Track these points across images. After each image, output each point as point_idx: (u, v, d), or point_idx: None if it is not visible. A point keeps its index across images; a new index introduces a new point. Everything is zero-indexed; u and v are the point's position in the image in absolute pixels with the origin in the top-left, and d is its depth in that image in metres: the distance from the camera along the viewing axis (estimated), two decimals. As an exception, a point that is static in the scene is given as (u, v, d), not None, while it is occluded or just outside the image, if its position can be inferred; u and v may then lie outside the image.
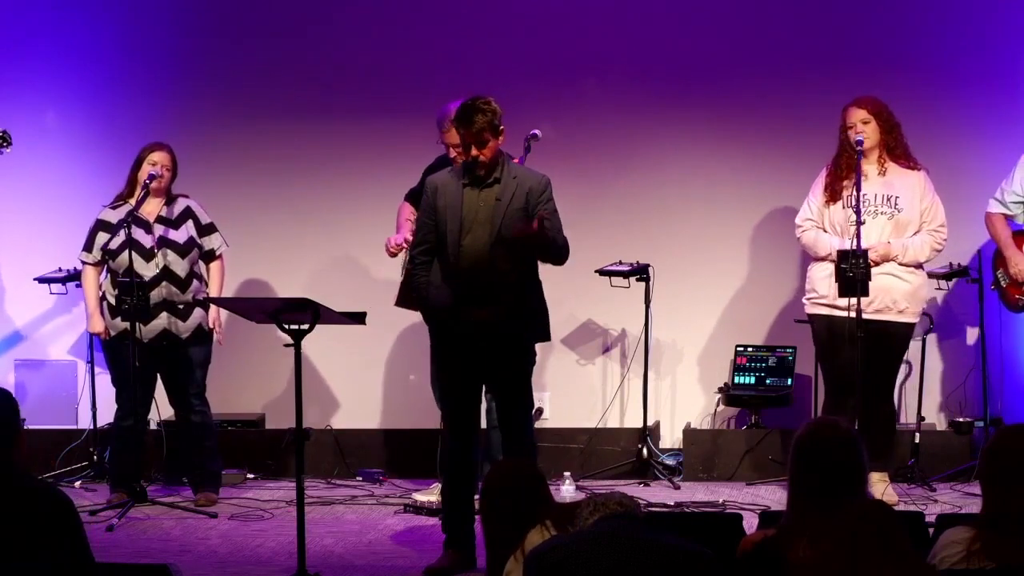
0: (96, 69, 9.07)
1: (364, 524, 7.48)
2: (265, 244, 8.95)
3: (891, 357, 7.65)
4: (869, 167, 7.63)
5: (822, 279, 7.65)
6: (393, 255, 7.75)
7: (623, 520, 4.05)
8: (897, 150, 7.64)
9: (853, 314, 7.42)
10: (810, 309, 7.77)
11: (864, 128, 7.60)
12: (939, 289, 8.52)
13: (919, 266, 7.66)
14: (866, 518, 3.86)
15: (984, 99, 8.73)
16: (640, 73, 8.93)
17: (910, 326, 7.69)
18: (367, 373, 9.11)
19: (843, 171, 7.66)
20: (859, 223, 7.33)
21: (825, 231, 7.69)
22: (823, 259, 7.66)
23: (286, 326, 6.18)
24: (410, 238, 7.51)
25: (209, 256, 8.00)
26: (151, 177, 7.79)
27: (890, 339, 7.55)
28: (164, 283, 7.80)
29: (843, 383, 7.58)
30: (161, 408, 8.19)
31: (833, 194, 7.66)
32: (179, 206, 7.94)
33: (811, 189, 7.79)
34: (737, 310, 8.94)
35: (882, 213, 7.58)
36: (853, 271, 7.30)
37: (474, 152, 6.35)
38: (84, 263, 7.96)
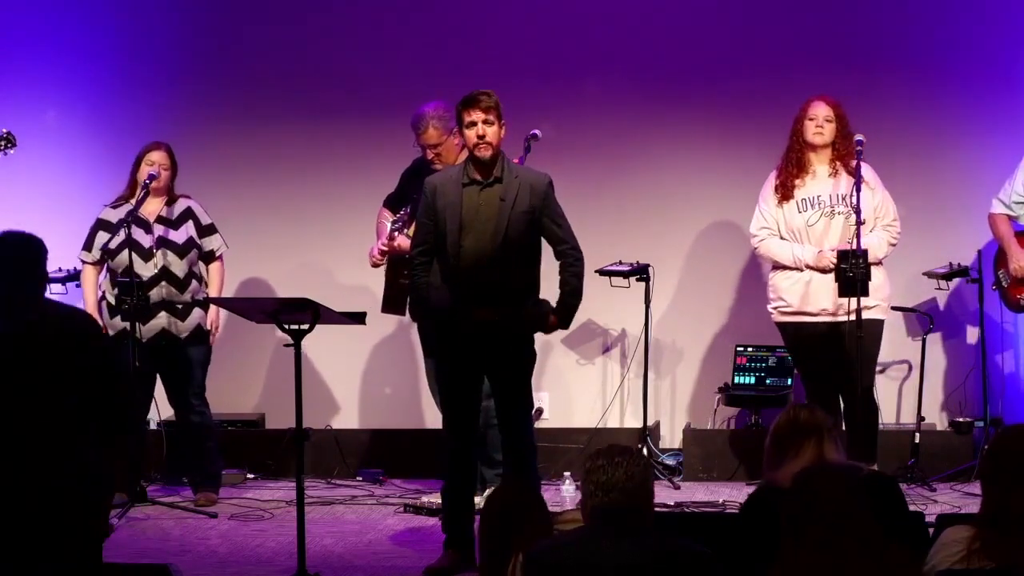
0: (96, 70, 9.08)
1: (364, 524, 7.49)
2: (262, 244, 8.95)
3: (866, 355, 7.59)
4: (820, 167, 7.60)
5: (787, 287, 7.62)
6: (376, 265, 7.76)
7: (623, 516, 4.00)
8: (846, 156, 7.55)
9: (824, 319, 7.48)
10: (778, 318, 7.70)
11: (825, 126, 7.55)
12: (939, 289, 8.52)
13: (878, 263, 7.60)
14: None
15: (984, 99, 8.72)
16: (640, 73, 8.94)
17: (880, 323, 7.63)
18: (367, 373, 9.12)
19: (794, 169, 7.62)
20: (859, 223, 7.30)
21: (782, 238, 7.65)
22: (787, 267, 7.62)
23: (286, 326, 6.18)
24: (385, 242, 7.55)
25: (209, 257, 8.00)
26: (151, 177, 7.80)
27: (863, 337, 7.50)
28: (163, 283, 7.81)
29: (822, 388, 7.56)
30: (161, 408, 8.19)
31: (785, 193, 7.60)
32: (180, 207, 7.95)
33: (760, 195, 7.71)
34: (737, 310, 8.94)
35: (839, 213, 7.52)
36: (853, 271, 7.29)
37: (481, 131, 6.34)
38: (83, 262, 7.98)
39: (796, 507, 3.93)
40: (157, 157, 7.86)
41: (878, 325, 7.63)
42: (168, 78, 9.05)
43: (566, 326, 6.73)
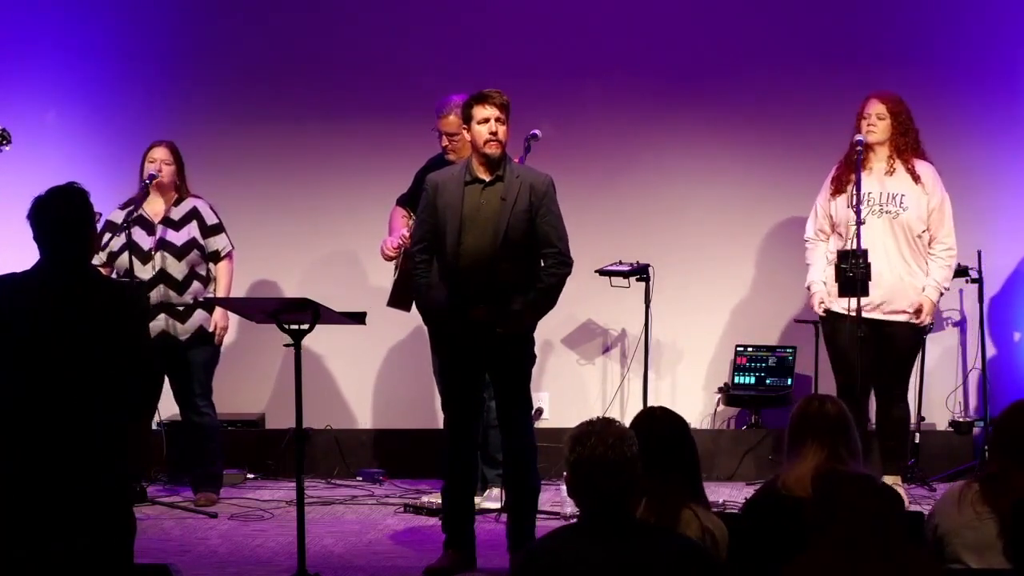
0: (96, 69, 9.07)
1: (364, 524, 7.49)
2: (264, 243, 8.94)
3: (902, 359, 7.60)
4: (877, 164, 7.57)
5: (829, 280, 7.63)
6: (389, 258, 7.77)
7: (617, 515, 3.97)
8: (906, 152, 7.55)
9: (863, 315, 7.41)
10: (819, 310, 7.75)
11: (877, 123, 7.52)
12: (939, 289, 8.51)
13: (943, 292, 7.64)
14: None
15: (985, 99, 8.73)
16: (641, 73, 8.94)
17: (921, 327, 7.63)
18: (367, 373, 9.11)
19: (851, 163, 7.62)
20: (859, 223, 7.31)
21: (834, 228, 7.62)
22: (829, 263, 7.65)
23: (286, 326, 6.18)
24: (406, 236, 7.53)
25: (214, 257, 7.98)
26: (151, 177, 7.79)
27: (901, 340, 7.51)
28: (160, 285, 7.79)
29: (853, 385, 7.56)
30: (162, 408, 8.17)
31: (839, 186, 7.60)
32: (186, 206, 7.92)
33: (821, 189, 7.73)
34: (737, 310, 8.94)
35: (886, 212, 7.50)
36: (853, 271, 7.28)
37: (494, 128, 6.33)
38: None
39: (820, 510, 3.94)
40: (159, 154, 7.85)
41: (918, 329, 7.62)
42: (169, 77, 9.05)
43: (532, 324, 6.52)
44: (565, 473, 3.97)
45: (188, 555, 6.81)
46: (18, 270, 5.01)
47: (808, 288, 7.72)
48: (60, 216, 4.82)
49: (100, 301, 4.73)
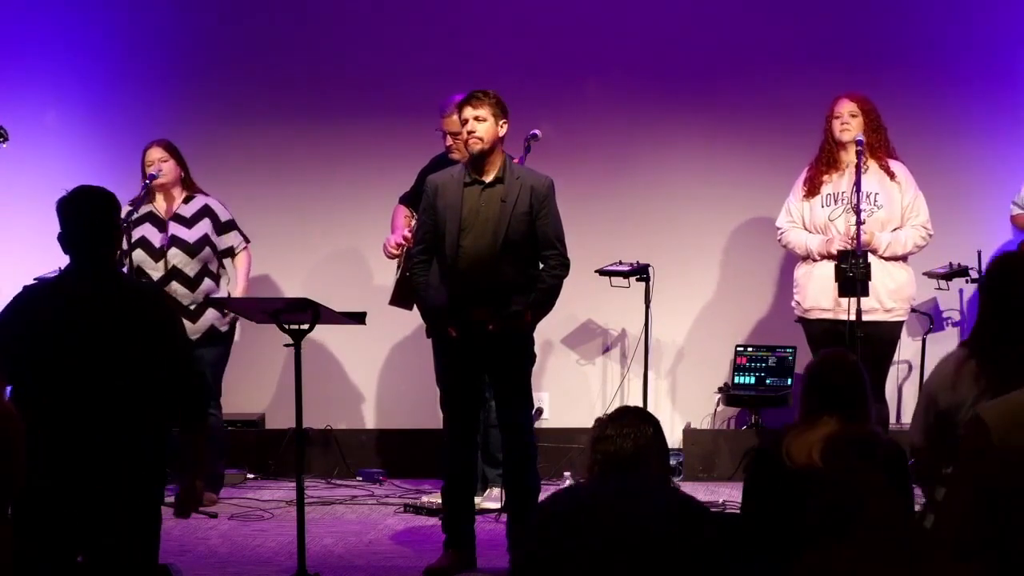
0: (96, 69, 9.07)
1: (364, 524, 7.49)
2: (265, 243, 8.92)
3: (880, 357, 7.57)
4: (851, 163, 7.59)
5: (805, 284, 7.61)
6: (392, 256, 7.77)
7: (628, 479, 3.96)
8: (880, 151, 7.57)
9: (840, 316, 7.41)
10: (798, 312, 7.73)
11: (850, 121, 7.54)
12: (939, 289, 8.51)
13: (904, 259, 7.59)
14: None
15: (984, 99, 8.74)
16: (641, 73, 8.94)
17: (898, 325, 7.63)
18: (367, 373, 9.12)
19: (823, 165, 7.62)
20: (859, 223, 7.31)
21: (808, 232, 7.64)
22: (805, 262, 7.61)
23: (286, 326, 6.18)
24: (408, 235, 7.53)
25: (229, 253, 7.98)
26: (151, 177, 7.79)
27: (878, 339, 7.48)
28: (172, 283, 7.77)
29: None
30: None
31: (812, 188, 7.61)
32: (198, 203, 7.91)
33: (791, 190, 7.73)
34: (737, 310, 8.95)
35: (862, 210, 7.51)
36: (853, 271, 7.28)
37: (472, 127, 6.36)
38: None
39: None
40: (155, 155, 7.85)
41: (896, 328, 7.61)
42: (170, 77, 9.05)
43: (532, 324, 6.58)
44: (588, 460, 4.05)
45: (188, 555, 6.81)
46: (19, 267, 4.98)
47: (814, 253, 7.58)
48: (96, 219, 4.74)
49: (135, 306, 4.65)
